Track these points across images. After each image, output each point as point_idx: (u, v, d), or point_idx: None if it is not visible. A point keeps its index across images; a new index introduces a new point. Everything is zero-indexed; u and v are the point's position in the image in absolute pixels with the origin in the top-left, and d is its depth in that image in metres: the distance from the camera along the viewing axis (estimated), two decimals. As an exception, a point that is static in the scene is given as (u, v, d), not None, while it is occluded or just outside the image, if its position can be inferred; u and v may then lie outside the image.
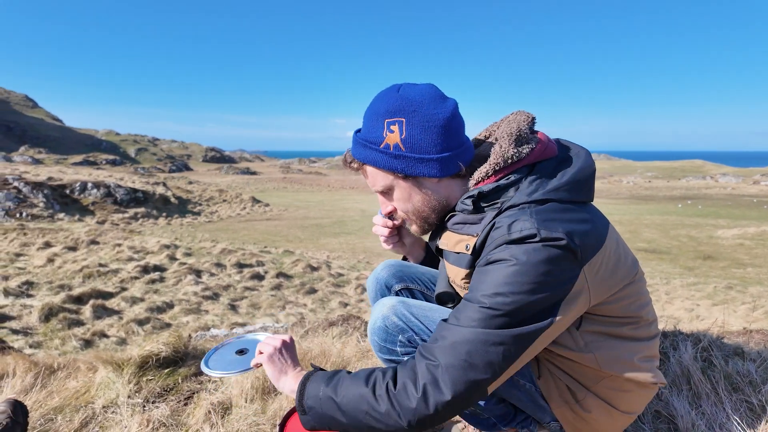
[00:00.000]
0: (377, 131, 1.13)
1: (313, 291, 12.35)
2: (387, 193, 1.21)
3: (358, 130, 1.20)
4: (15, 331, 7.87)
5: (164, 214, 26.75)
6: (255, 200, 34.23)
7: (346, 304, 11.38)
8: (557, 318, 1.01)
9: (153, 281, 11.39)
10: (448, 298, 1.29)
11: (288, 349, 1.22)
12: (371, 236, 23.31)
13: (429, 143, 1.11)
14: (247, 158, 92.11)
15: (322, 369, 1.15)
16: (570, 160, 1.10)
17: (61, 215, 22.63)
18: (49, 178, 25.27)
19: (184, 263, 12.93)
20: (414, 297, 1.47)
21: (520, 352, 1.00)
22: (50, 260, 12.28)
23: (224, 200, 33.29)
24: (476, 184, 1.13)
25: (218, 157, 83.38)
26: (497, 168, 1.10)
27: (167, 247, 14.57)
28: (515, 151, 1.09)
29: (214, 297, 11.09)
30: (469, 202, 1.11)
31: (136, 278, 11.41)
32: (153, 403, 2.02)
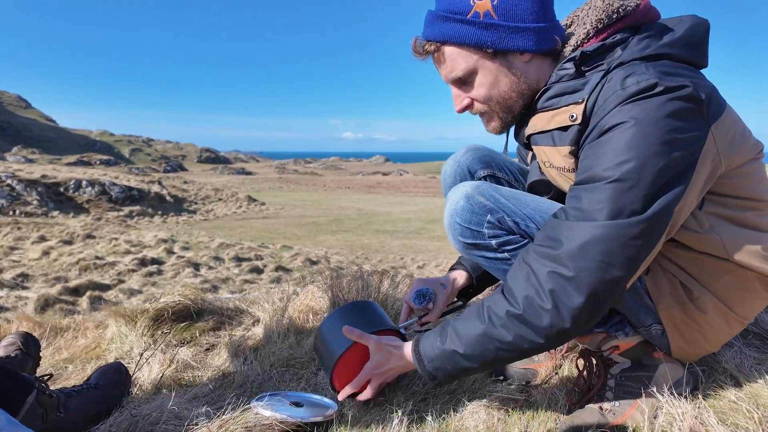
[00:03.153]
0: None
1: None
2: (466, 81, 1.06)
3: (432, 9, 1.05)
4: (10, 322, 7.68)
5: (160, 212, 26.48)
6: (251, 199, 33.98)
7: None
8: (690, 185, 0.87)
9: (151, 274, 11.20)
10: (543, 188, 1.14)
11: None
12: (369, 234, 23.19)
13: (525, 9, 0.98)
14: (242, 159, 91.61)
15: (421, 331, 1.08)
16: (677, 23, 0.96)
17: (55, 213, 22.34)
18: (43, 176, 24.96)
19: (182, 256, 12.73)
20: None
21: (661, 233, 0.87)
22: (45, 253, 12.06)
23: (220, 199, 33.04)
24: (574, 49, 1.00)
25: (213, 158, 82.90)
26: (600, 26, 0.97)
27: (164, 241, 14.36)
28: (621, 3, 0.96)
29: (213, 290, 10.90)
30: (570, 65, 0.97)
31: (134, 271, 11.22)
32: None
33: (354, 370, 1.16)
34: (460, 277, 1.32)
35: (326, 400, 1.24)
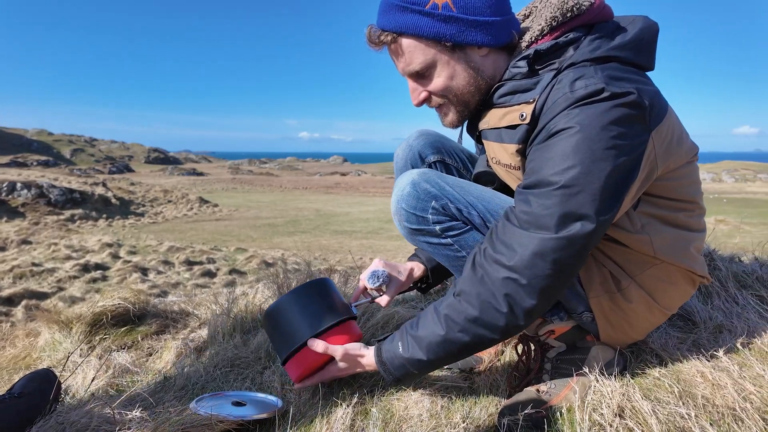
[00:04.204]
0: None
1: (269, 286, 11.95)
2: (423, 74, 1.06)
3: None
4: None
5: (104, 215, 25.15)
6: (203, 201, 32.87)
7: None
8: (632, 188, 0.92)
9: (94, 280, 10.62)
10: (488, 179, 1.17)
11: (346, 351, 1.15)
12: (327, 234, 22.99)
13: (483, 2, 0.98)
14: (194, 159, 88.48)
15: (380, 340, 1.12)
16: (629, 23, 0.99)
17: (-14, 218, 20.76)
18: (-29, 178, 23.14)
19: (129, 261, 12.15)
20: (449, 173, 1.32)
21: (602, 235, 0.92)
22: (-26, 261, 11.18)
23: (169, 201, 31.78)
24: (528, 45, 1.01)
25: (162, 158, 79.62)
26: (554, 23, 0.98)
27: (110, 245, 13.66)
28: (575, 2, 0.97)
29: (163, 295, 10.45)
30: (523, 63, 0.98)
31: (75, 277, 10.61)
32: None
33: (313, 358, 1.17)
34: (417, 268, 1.35)
35: (270, 397, 1.22)
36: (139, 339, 1.97)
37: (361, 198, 41.45)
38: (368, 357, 1.11)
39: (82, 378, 1.47)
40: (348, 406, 1.12)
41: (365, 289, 1.32)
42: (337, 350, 1.13)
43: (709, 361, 1.13)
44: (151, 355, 1.82)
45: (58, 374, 1.38)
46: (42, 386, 1.21)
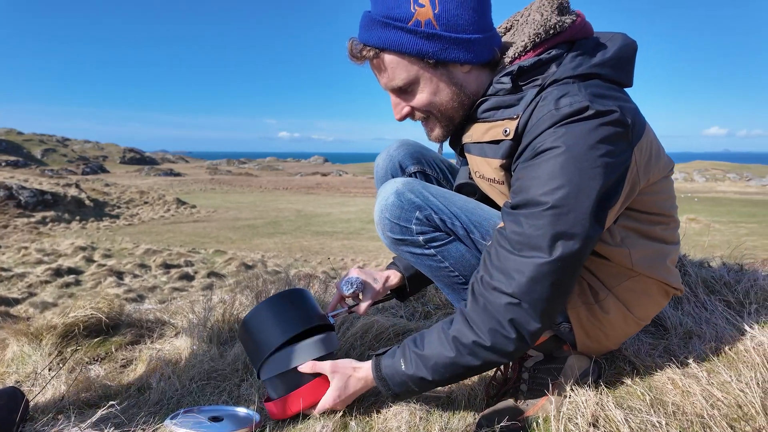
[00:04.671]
0: (403, 5, 0.97)
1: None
2: (406, 90, 1.06)
3: (369, 10, 1.03)
4: None
5: (78, 217, 24.50)
6: (180, 202, 32.31)
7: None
8: (617, 204, 0.94)
9: (67, 285, 10.36)
10: (470, 190, 1.18)
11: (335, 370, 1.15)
12: (308, 235, 22.85)
13: (466, 20, 0.98)
14: (170, 159, 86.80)
15: (378, 354, 1.10)
16: (609, 40, 1.01)
17: (-49, 221, 20.01)
18: (-65, 179, 22.26)
19: (104, 265, 11.89)
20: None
21: (591, 250, 0.95)
22: (-62, 266, 10.77)
23: (146, 202, 31.14)
24: (512, 61, 1.01)
25: (138, 159, 77.92)
26: (537, 40, 0.99)
27: (83, 248, 13.32)
28: (558, 19, 0.98)
29: (139, 299, 10.26)
30: (507, 79, 0.99)
31: (47, 282, 10.33)
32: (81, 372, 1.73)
33: (298, 404, 1.15)
34: (394, 276, 1.35)
35: (248, 411, 1.20)
36: (113, 350, 1.92)
37: (342, 198, 41.31)
38: (364, 370, 1.10)
39: (53, 394, 1.43)
40: (327, 419, 1.11)
41: (342, 298, 1.32)
42: (326, 366, 1.13)
43: (679, 367, 1.16)
44: (125, 367, 1.77)
45: (26, 391, 1.34)
46: (9, 405, 1.17)
